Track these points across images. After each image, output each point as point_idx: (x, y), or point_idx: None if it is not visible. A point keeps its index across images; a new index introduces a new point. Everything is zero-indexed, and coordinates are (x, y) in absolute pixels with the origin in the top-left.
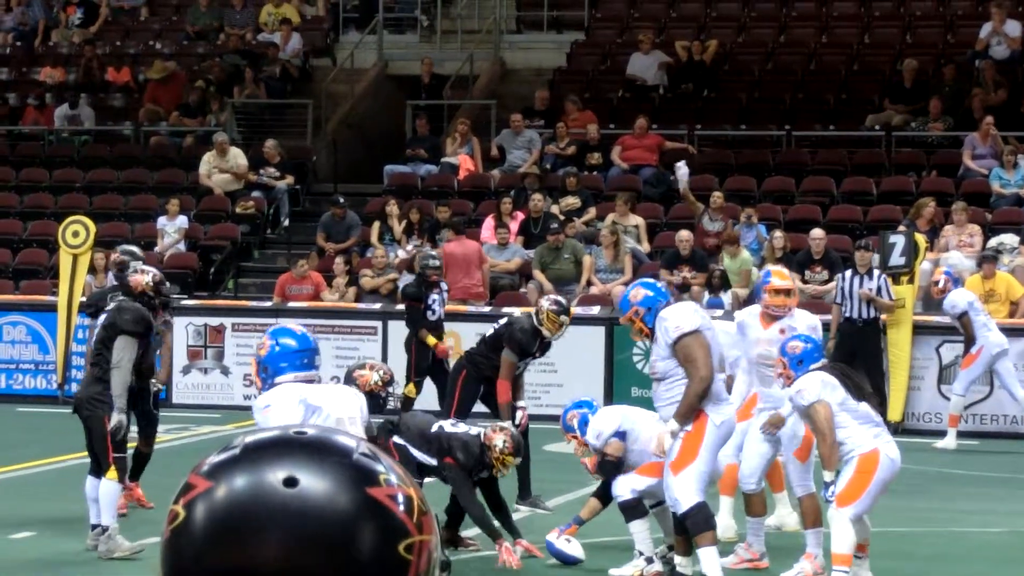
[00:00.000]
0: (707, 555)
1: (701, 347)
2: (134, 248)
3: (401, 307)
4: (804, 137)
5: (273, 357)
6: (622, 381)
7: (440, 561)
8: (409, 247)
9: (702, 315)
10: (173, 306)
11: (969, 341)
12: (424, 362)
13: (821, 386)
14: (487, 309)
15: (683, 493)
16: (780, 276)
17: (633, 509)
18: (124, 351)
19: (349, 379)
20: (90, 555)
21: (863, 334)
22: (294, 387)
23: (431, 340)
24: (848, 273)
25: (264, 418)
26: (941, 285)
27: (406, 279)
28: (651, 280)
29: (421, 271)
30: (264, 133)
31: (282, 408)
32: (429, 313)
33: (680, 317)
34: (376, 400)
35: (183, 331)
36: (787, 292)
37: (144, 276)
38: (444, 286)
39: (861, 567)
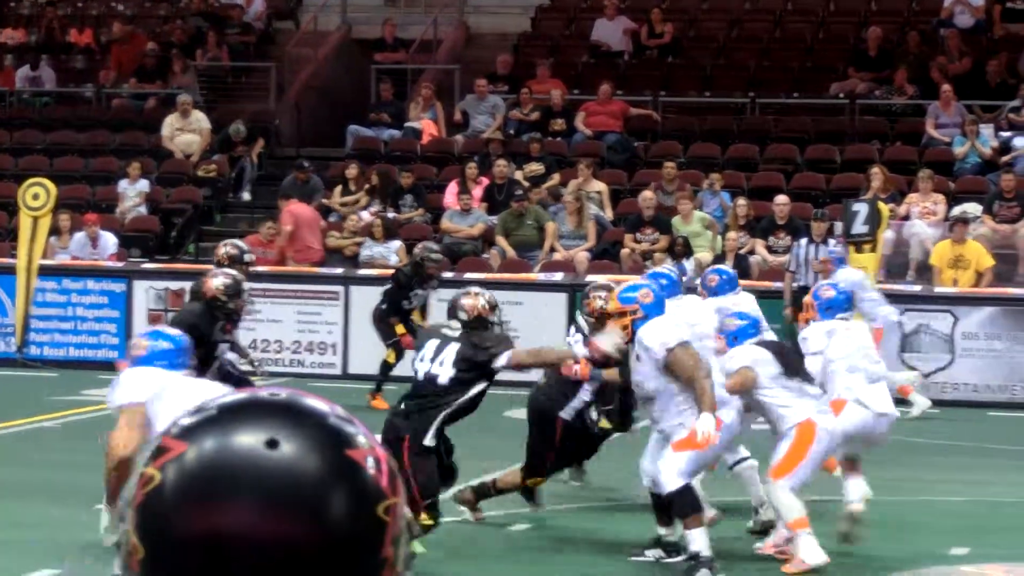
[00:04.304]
0: (696, 536)
1: None
2: (242, 243)
3: (363, 272)
4: (768, 104)
5: (148, 358)
6: None
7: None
8: (373, 209)
9: None
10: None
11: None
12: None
13: (751, 357)
14: (449, 275)
15: (669, 474)
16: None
17: None
18: None
19: (454, 309)
20: (49, 517)
21: None
22: (156, 372)
23: (400, 329)
24: (804, 241)
25: (116, 391)
26: (823, 264)
27: (368, 244)
28: None
29: (420, 262)
30: (227, 96)
31: (134, 382)
32: (405, 302)
33: None
34: (484, 324)
35: (143, 295)
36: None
37: (215, 280)
38: (436, 283)
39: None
